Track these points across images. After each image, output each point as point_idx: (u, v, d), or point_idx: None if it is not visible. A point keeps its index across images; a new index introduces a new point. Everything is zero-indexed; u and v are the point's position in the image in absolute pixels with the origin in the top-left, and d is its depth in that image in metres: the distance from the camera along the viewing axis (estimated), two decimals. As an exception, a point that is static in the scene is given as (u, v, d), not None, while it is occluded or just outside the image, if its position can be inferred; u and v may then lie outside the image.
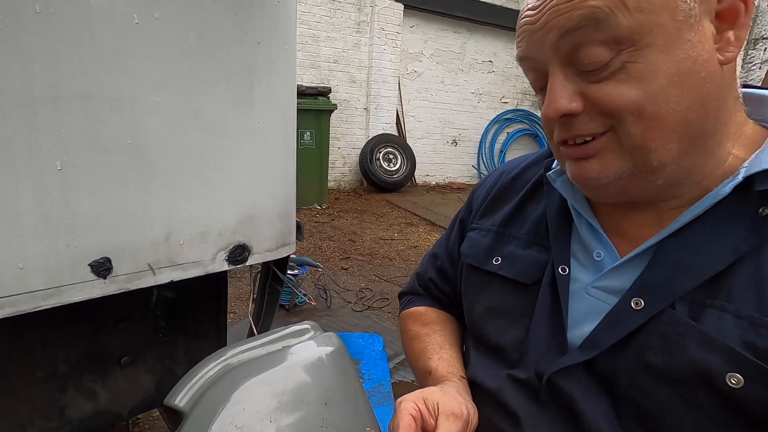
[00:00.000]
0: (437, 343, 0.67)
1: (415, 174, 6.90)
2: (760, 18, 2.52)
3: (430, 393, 0.52)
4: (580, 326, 0.50)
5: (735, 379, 0.40)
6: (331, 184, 6.30)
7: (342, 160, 6.59)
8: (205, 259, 0.70)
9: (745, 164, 0.45)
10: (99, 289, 0.60)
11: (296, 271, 2.76)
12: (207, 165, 0.67)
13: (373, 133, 6.53)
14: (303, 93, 4.98)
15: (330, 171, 5.99)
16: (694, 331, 0.42)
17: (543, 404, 0.50)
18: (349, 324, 2.59)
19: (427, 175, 7.43)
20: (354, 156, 6.62)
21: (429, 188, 7.16)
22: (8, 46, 0.49)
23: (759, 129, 0.49)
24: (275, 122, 0.75)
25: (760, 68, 2.48)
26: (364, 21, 6.31)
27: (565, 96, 0.45)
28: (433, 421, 0.49)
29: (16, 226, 0.52)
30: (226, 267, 0.73)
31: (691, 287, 0.44)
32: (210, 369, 0.61)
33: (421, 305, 0.76)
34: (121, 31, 0.56)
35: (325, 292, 2.88)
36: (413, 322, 0.74)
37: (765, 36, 2.50)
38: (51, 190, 0.54)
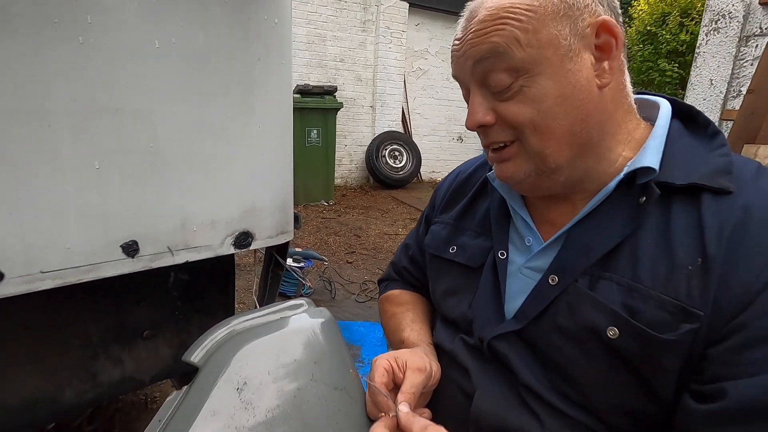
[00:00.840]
0: (410, 318, 0.78)
1: (421, 170, 6.99)
2: (752, 16, 2.57)
3: (400, 353, 0.63)
4: (515, 300, 0.61)
5: (612, 332, 0.50)
6: (337, 181, 6.42)
7: (348, 157, 6.70)
8: (215, 243, 0.82)
9: (629, 163, 0.55)
10: (128, 266, 0.73)
11: (302, 264, 2.90)
12: (213, 165, 0.80)
13: (379, 131, 6.63)
14: (309, 92, 5.10)
15: (337, 168, 6.11)
16: (589, 298, 0.53)
17: (487, 361, 0.62)
18: (352, 314, 2.72)
19: (433, 171, 7.52)
20: (360, 153, 6.72)
21: (434, 184, 7.27)
22: (58, 70, 0.62)
23: (648, 130, 0.59)
24: (273, 127, 0.87)
25: (751, 65, 2.54)
26: (369, 20, 6.40)
27: (480, 111, 0.56)
28: (401, 375, 0.60)
29: (63, 214, 0.65)
30: (232, 251, 0.85)
31: (590, 264, 0.54)
32: (219, 333, 0.73)
33: (396, 289, 0.87)
34: (144, 54, 0.69)
35: (330, 284, 3.01)
36: (389, 304, 0.85)
37: (756, 33, 2.55)
38: (90, 185, 0.67)
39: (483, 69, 0.54)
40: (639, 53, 6.47)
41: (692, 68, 2.96)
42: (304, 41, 5.95)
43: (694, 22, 5.55)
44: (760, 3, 2.58)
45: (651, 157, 0.53)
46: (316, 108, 5.10)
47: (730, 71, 2.69)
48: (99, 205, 0.68)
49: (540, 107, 0.52)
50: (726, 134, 2.49)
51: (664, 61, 6.07)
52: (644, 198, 0.53)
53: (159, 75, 0.70)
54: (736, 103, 2.63)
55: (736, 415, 0.43)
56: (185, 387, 0.69)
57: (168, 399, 0.66)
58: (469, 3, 0.56)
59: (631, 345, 0.49)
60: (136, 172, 0.71)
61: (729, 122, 2.41)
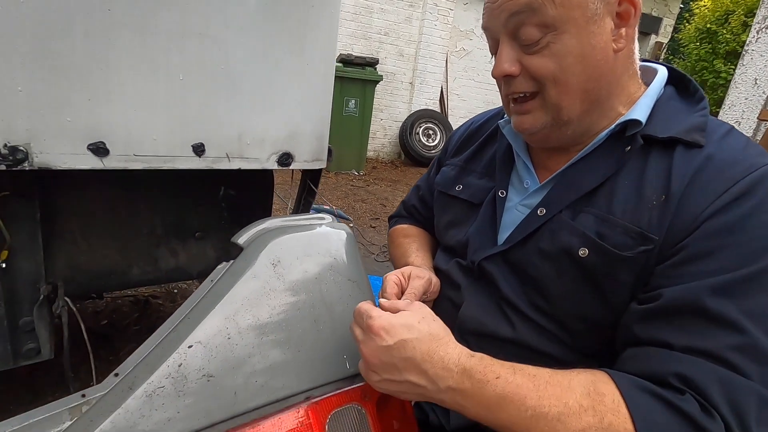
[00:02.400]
0: (415, 247, 0.88)
1: (453, 151, 6.98)
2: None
3: (405, 268, 0.75)
4: (507, 230, 0.70)
5: (583, 251, 0.59)
6: (370, 154, 6.54)
7: (383, 131, 6.78)
8: (262, 157, 1.00)
9: (621, 118, 0.62)
10: (196, 163, 0.91)
11: (335, 214, 3.09)
12: (268, 90, 0.97)
13: (415, 108, 6.64)
14: (351, 62, 5.18)
15: (370, 141, 6.21)
16: (567, 225, 0.61)
17: (475, 279, 0.72)
18: (370, 271, 2.90)
19: (465, 154, 7.48)
20: (395, 128, 6.77)
21: (465, 167, 7.26)
22: (160, 3, 0.79)
23: (644, 92, 0.64)
24: (319, 66, 1.03)
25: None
26: (418, -5, 6.36)
27: (508, 61, 0.61)
28: (407, 284, 0.72)
29: (154, 112, 0.84)
30: (276, 167, 1.03)
31: (574, 198, 0.62)
32: (260, 225, 0.92)
33: (405, 224, 1.00)
34: (224, -8, 0.85)
35: (353, 243, 3.20)
36: (398, 235, 0.96)
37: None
38: (175, 92, 0.85)
39: (516, 22, 0.58)
40: (695, 52, 6.20)
41: (738, 66, 2.88)
42: (351, 11, 6.01)
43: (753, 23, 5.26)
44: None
45: (640, 112, 0.61)
46: (356, 78, 5.18)
47: (776, 72, 2.62)
48: (179, 109, 0.86)
49: (562, 63, 0.57)
50: (761, 135, 2.44)
51: (720, 62, 5.81)
52: (629, 147, 0.61)
53: (235, 10, 0.87)
54: (778, 105, 2.57)
55: (663, 312, 0.52)
56: (232, 260, 0.87)
57: (218, 267, 0.84)
58: None
59: (596, 261, 0.58)
60: (209, 86, 0.88)
61: (767, 122, 2.37)
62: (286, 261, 0.87)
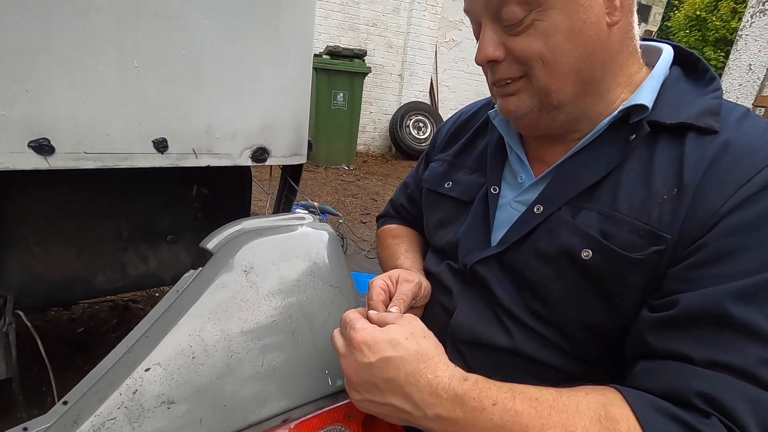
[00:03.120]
0: (404, 248, 0.83)
1: (444, 144, 6.94)
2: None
3: (393, 271, 0.70)
4: (502, 230, 0.64)
5: (586, 253, 0.53)
6: (360, 148, 6.46)
7: (373, 124, 6.71)
8: (234, 153, 0.91)
9: (624, 104, 0.56)
10: (158, 161, 0.82)
11: (318, 215, 3.02)
12: (239, 79, 0.88)
13: (405, 100, 6.58)
14: (339, 54, 5.09)
15: (360, 134, 6.14)
16: (568, 224, 0.56)
17: (468, 283, 0.67)
18: (361, 267, 2.83)
19: (456, 146, 7.45)
20: (385, 121, 6.71)
21: (456, 160, 7.23)
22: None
23: (648, 74, 0.58)
24: (296, 50, 0.94)
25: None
26: (406, -15, 6.27)
27: (491, 46, 0.56)
28: (395, 289, 0.66)
29: (106, 103, 0.75)
30: (250, 163, 0.94)
31: (574, 194, 0.57)
32: (233, 227, 0.83)
33: (393, 224, 0.94)
34: (183, -34, 0.76)
35: (342, 239, 3.13)
36: (386, 236, 0.91)
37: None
38: (129, 81, 0.76)
39: (498, 1, 0.53)
40: (684, 39, 6.18)
41: (732, 51, 2.84)
42: (338, 2, 5.89)
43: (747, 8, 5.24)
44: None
45: (645, 96, 0.55)
46: (344, 71, 5.10)
47: (771, 57, 2.58)
48: (136, 100, 0.77)
49: (549, 41, 0.52)
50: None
51: (710, 49, 5.80)
52: (634, 135, 0.55)
53: (195, -13, 0.78)
54: (773, 91, 2.53)
55: (681, 321, 0.46)
56: (200, 268, 0.79)
57: (185, 275, 0.76)
58: None
59: (601, 264, 0.52)
60: (170, 74, 0.79)
61: (762, 109, 2.33)
62: (260, 267, 0.78)
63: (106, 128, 0.75)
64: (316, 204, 3.10)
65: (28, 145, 0.69)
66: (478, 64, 0.59)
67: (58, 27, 0.68)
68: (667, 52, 0.61)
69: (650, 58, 0.62)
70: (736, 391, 0.42)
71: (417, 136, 6.44)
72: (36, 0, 0.66)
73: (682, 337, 0.46)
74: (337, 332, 0.57)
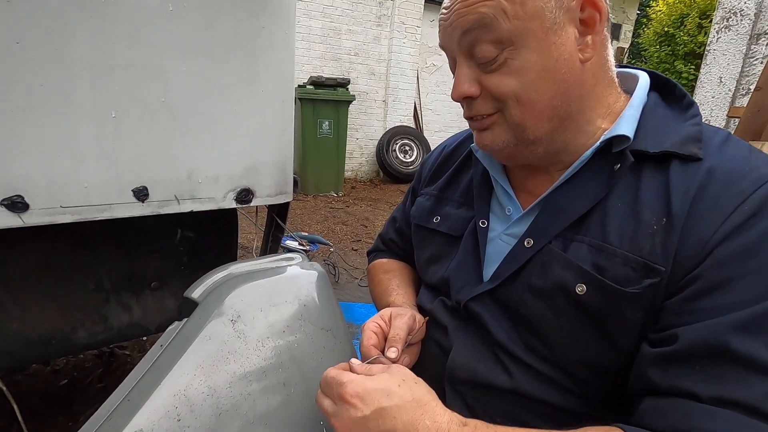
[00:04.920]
0: (395, 284, 0.82)
1: (431, 166, 7.01)
2: (764, 14, 2.55)
3: (385, 311, 0.69)
4: (493, 264, 0.64)
5: (580, 288, 0.52)
6: (348, 174, 6.49)
7: (359, 150, 6.77)
8: (218, 196, 0.90)
9: (605, 134, 0.56)
10: (138, 209, 0.80)
11: (307, 248, 2.98)
12: (218, 123, 0.87)
13: (390, 125, 6.68)
14: (323, 84, 5.17)
15: (347, 161, 6.18)
16: (560, 258, 0.55)
17: (463, 321, 0.66)
18: (354, 297, 2.79)
19: (443, 167, 7.53)
20: (371, 147, 6.78)
21: (444, 181, 7.28)
22: (79, 24, 0.69)
23: (627, 102, 0.59)
24: (275, 92, 0.94)
25: (761, 63, 2.52)
26: (384, 15, 6.45)
27: (466, 82, 0.56)
28: (389, 328, 0.65)
29: (82, 155, 0.73)
30: (234, 205, 0.92)
31: (564, 227, 0.56)
32: (219, 274, 0.80)
33: (383, 258, 0.93)
34: (158, 15, 0.76)
35: (334, 269, 3.09)
36: (377, 271, 0.90)
37: (767, 32, 2.53)
38: (107, 132, 0.75)
39: (470, 40, 0.54)
40: (656, 54, 6.41)
41: (702, 66, 2.95)
42: (320, 34, 6.02)
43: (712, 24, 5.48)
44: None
45: (626, 126, 0.55)
46: (328, 100, 5.17)
47: (740, 69, 2.68)
48: (114, 150, 0.75)
49: (523, 80, 0.53)
50: (732, 131, 2.47)
51: (681, 63, 6.01)
52: (618, 165, 0.55)
53: (171, 35, 0.77)
54: (745, 101, 2.61)
55: (683, 356, 0.45)
56: (185, 319, 0.76)
57: (169, 328, 0.73)
58: None
59: (596, 299, 0.51)
60: (148, 123, 0.78)
61: (736, 119, 2.41)
62: (247, 315, 0.75)
63: (83, 180, 0.73)
64: (305, 233, 3.07)
65: (1, 203, 0.67)
66: (454, 100, 0.60)
67: (29, 80, 0.66)
68: (644, 79, 0.62)
69: (627, 84, 0.62)
70: (746, 428, 0.41)
71: (404, 159, 6.50)
72: (7, 55, 0.65)
73: (685, 372, 0.45)
74: (319, 393, 0.54)
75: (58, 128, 0.70)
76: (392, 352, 0.61)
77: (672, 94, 0.61)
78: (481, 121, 0.59)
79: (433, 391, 0.50)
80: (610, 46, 0.59)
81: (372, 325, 0.65)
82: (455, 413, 0.48)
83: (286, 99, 0.96)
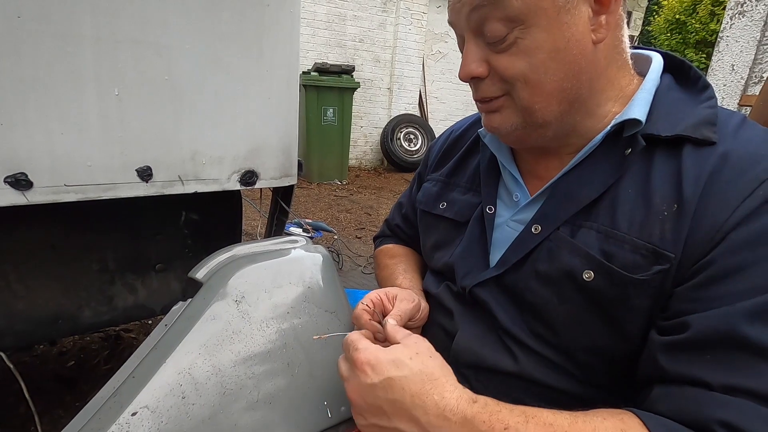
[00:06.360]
0: (402, 269, 0.81)
1: (436, 155, 6.96)
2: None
3: (391, 289, 0.68)
4: (499, 250, 0.62)
5: (588, 275, 0.51)
6: (352, 162, 6.46)
7: (364, 138, 6.72)
8: (222, 177, 0.89)
9: (616, 118, 0.55)
10: (142, 189, 0.80)
11: (311, 235, 2.98)
12: (223, 102, 0.86)
13: (395, 113, 6.62)
14: (327, 71, 5.12)
15: (351, 149, 6.14)
16: (568, 244, 0.54)
17: (468, 306, 0.65)
18: (357, 283, 2.79)
19: (448, 156, 7.48)
20: (376, 135, 6.73)
21: (449, 170, 7.23)
22: (83, 4, 0.68)
23: (640, 84, 0.57)
24: (281, 71, 0.92)
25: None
26: (390, 0, 6.35)
27: (474, 62, 0.54)
28: (390, 306, 0.64)
29: (86, 134, 0.72)
30: (238, 187, 0.92)
31: (573, 213, 0.55)
32: (223, 255, 0.80)
33: (390, 244, 0.92)
34: (162, -8, 0.74)
35: (338, 256, 3.09)
36: (383, 256, 0.89)
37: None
38: (110, 110, 0.74)
39: (479, 17, 0.52)
40: (666, 42, 6.30)
41: (714, 53, 2.89)
42: (324, 20, 5.95)
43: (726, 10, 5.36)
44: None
45: (638, 109, 0.53)
46: (333, 87, 5.12)
47: (753, 57, 2.61)
48: (117, 129, 0.74)
49: (533, 60, 0.51)
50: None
51: (691, 51, 5.90)
52: (629, 150, 0.53)
53: (177, 12, 0.76)
54: (757, 90, 2.56)
55: (695, 345, 0.44)
56: (190, 299, 0.75)
57: (173, 308, 0.72)
58: None
59: (604, 286, 0.51)
60: (152, 101, 0.77)
61: (748, 108, 2.36)
62: (251, 296, 0.75)
63: (86, 159, 0.72)
64: (309, 220, 3.07)
65: (4, 181, 0.66)
66: (461, 80, 0.58)
67: (32, 57, 0.65)
68: (657, 61, 0.59)
69: (641, 66, 0.60)
70: (759, 418, 0.40)
71: (408, 148, 6.46)
72: (8, 30, 0.64)
73: (696, 360, 0.44)
74: (342, 357, 0.55)
75: (61, 105, 0.69)
76: (391, 320, 0.59)
77: (687, 76, 0.58)
78: (490, 104, 0.58)
79: (448, 367, 0.50)
80: (625, 26, 0.56)
81: (373, 295, 0.65)
82: (466, 389, 0.48)
83: (291, 80, 0.95)
